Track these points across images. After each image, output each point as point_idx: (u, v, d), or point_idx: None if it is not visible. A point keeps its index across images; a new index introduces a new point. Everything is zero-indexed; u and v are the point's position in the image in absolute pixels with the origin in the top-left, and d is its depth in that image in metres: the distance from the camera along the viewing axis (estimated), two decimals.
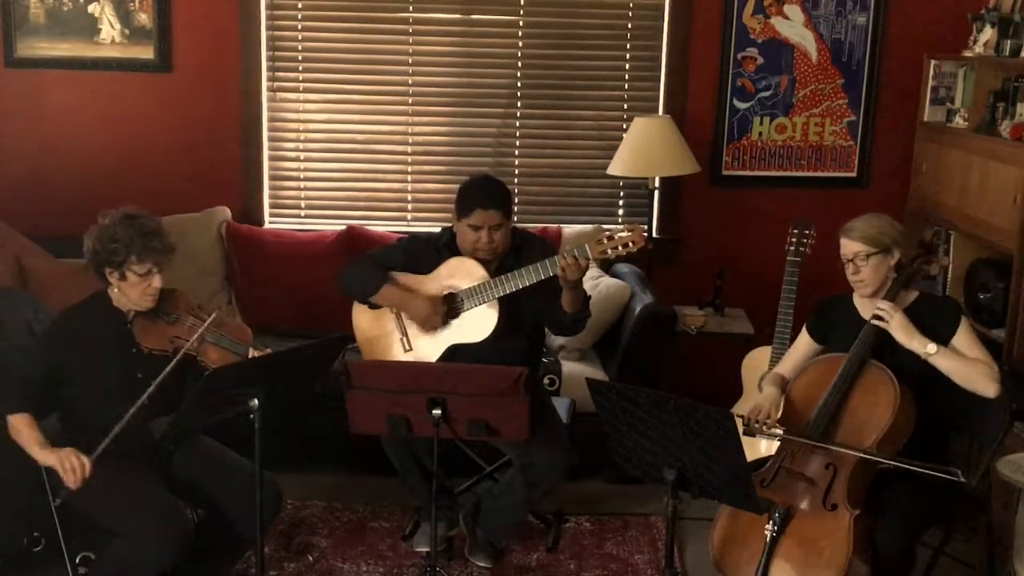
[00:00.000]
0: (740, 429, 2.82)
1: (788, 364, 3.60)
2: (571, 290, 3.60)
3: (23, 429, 3.20)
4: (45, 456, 3.17)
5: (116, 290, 3.30)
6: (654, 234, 5.03)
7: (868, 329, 3.32)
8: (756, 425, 3.32)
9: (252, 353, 3.36)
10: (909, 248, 3.47)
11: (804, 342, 3.58)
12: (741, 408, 4.01)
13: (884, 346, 3.31)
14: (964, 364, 3.24)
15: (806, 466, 3.25)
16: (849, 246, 3.36)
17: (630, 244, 3.57)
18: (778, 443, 3.38)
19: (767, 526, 3.14)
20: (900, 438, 3.20)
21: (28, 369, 3.27)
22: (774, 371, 3.64)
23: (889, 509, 3.17)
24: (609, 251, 3.56)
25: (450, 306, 3.73)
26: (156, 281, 3.28)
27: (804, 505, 3.20)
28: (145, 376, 3.27)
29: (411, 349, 3.78)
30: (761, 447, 3.81)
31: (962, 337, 3.29)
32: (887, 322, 3.28)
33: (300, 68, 5.12)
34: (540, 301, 3.72)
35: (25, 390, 3.24)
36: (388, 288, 3.76)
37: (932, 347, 3.23)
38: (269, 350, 3.37)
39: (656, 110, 5.12)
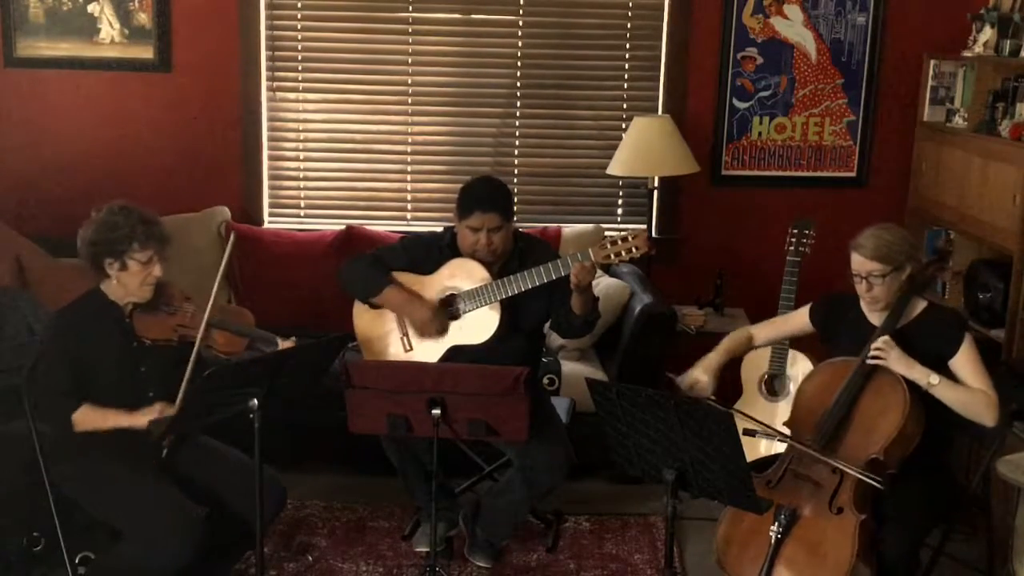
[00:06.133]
0: (739, 429, 2.82)
1: (768, 330, 3.59)
2: (581, 293, 3.59)
3: (95, 416, 3.18)
4: (136, 419, 3.15)
5: (114, 283, 3.27)
6: (654, 234, 5.03)
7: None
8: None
9: (281, 344, 3.35)
10: (920, 257, 3.36)
11: (800, 322, 3.52)
12: (741, 408, 4.01)
13: None
14: (965, 395, 3.17)
15: (813, 469, 3.22)
16: (862, 264, 3.24)
17: (634, 250, 3.51)
18: (778, 444, 3.37)
19: (772, 527, 3.13)
20: (909, 443, 3.17)
21: (57, 372, 3.22)
22: (745, 328, 3.61)
23: (893, 514, 3.15)
24: (612, 256, 3.53)
25: (450, 308, 3.73)
26: (156, 270, 3.27)
27: (810, 508, 3.18)
28: (148, 369, 3.26)
29: (412, 349, 3.77)
30: (761, 447, 3.81)
31: (964, 356, 3.21)
32: (885, 360, 3.19)
33: (300, 68, 5.12)
34: (543, 303, 3.72)
35: (69, 389, 3.19)
36: (391, 290, 3.75)
37: (935, 378, 3.15)
38: (293, 339, 3.36)
39: (656, 110, 5.12)
